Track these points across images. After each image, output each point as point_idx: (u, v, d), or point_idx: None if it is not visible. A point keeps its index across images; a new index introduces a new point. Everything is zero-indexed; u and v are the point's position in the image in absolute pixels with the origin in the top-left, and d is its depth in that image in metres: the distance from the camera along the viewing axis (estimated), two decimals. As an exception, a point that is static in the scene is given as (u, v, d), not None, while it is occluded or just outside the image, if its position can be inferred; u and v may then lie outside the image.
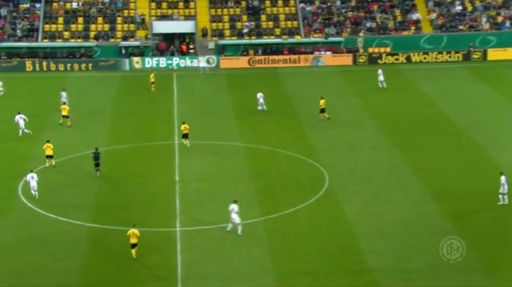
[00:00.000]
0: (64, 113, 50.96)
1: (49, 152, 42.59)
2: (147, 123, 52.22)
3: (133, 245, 32.05)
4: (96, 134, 49.46)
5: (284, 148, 46.09)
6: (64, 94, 55.08)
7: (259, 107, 54.48)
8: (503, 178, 36.76)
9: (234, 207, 34.31)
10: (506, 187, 36.56)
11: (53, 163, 42.51)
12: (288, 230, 34.95)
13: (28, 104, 55.50)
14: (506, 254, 32.34)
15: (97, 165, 41.72)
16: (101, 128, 50.96)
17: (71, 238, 34.16)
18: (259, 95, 54.92)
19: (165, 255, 32.62)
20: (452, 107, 55.14)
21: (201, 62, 69.02)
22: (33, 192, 38.33)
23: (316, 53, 72.34)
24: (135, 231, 32.13)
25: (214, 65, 70.91)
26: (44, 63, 69.63)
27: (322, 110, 51.57)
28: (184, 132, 46.24)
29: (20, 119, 48.50)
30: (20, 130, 48.25)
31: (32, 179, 38.50)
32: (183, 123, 46.70)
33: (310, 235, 34.38)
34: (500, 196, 36.76)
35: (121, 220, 35.15)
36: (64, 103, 53.21)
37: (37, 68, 69.50)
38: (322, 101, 51.86)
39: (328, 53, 72.34)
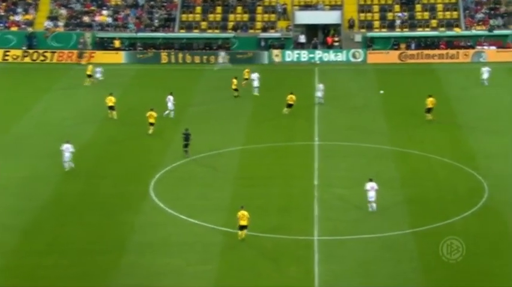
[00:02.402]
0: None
1: (152, 120, 48.60)
2: (287, 121, 52.37)
3: (243, 227, 33.56)
4: (234, 131, 50.23)
5: (438, 154, 44.62)
6: (171, 98, 52.98)
7: (317, 100, 55.30)
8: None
9: (373, 185, 36.71)
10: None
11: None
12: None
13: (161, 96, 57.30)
14: None
15: (185, 146, 44.41)
16: (239, 125, 51.65)
17: (204, 241, 34.66)
18: (320, 86, 55.76)
19: (303, 265, 32.37)
20: None
21: (221, 57, 68.21)
22: (65, 165, 42.03)
23: (479, 47, 69.71)
24: (245, 213, 33.56)
25: (360, 59, 70.06)
26: (180, 55, 71.71)
27: (429, 110, 50.60)
28: (289, 102, 51.95)
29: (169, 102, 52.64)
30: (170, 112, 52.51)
31: (67, 150, 42.00)
32: (291, 93, 52.31)
33: (469, 252, 32.81)
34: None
35: (256, 225, 35.21)
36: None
37: (172, 60, 71.72)
38: (429, 100, 50.89)
39: (493, 47, 69.57)
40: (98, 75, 63.36)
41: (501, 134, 48.24)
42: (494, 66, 65.98)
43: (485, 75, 58.99)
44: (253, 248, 33.86)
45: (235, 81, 58.54)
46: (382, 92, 40.77)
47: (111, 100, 53.21)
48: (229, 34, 73.93)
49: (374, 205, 37.13)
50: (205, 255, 33.33)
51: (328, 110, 54.35)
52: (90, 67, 63.97)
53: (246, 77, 60.88)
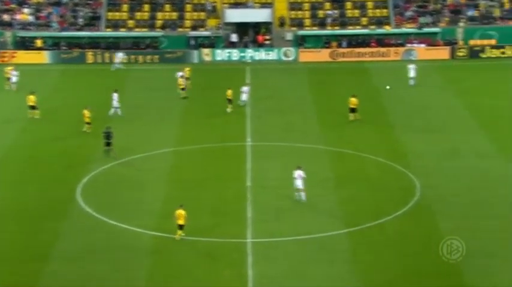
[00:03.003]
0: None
1: (86, 119, 48.31)
2: (219, 122, 52.27)
3: (181, 227, 33.97)
4: (164, 133, 49.88)
5: (371, 153, 45.24)
6: (116, 96, 52.62)
7: (240, 102, 54.71)
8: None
9: (300, 173, 37.28)
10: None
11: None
12: (376, 246, 34.13)
13: (90, 97, 56.47)
14: None
15: (107, 145, 44.00)
16: (169, 127, 51.32)
17: (134, 246, 34.26)
18: (245, 88, 55.35)
19: (236, 268, 32.33)
20: None
21: (117, 58, 68.15)
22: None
23: (409, 45, 71.03)
24: (182, 212, 33.97)
25: (292, 58, 70.52)
26: (106, 55, 70.81)
27: (352, 110, 50.67)
28: (229, 97, 51.80)
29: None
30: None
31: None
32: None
33: (404, 253, 33.42)
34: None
35: (189, 228, 35.02)
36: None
37: (99, 60, 70.75)
38: (352, 100, 51.11)
39: (422, 45, 70.97)
40: (14, 79, 60.86)
41: (432, 132, 49.20)
42: (424, 64, 67.46)
43: (412, 74, 59.31)
44: (185, 252, 33.70)
45: (181, 80, 58.11)
46: (388, 87, 40.45)
47: (31, 99, 52.23)
48: (158, 33, 73.43)
49: (302, 194, 37.79)
50: (134, 261, 32.97)
51: (260, 110, 54.50)
52: (8, 69, 62.07)
53: (187, 76, 60.49)
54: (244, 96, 55.27)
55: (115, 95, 52.83)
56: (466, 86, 60.68)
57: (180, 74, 58.92)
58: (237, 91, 54.66)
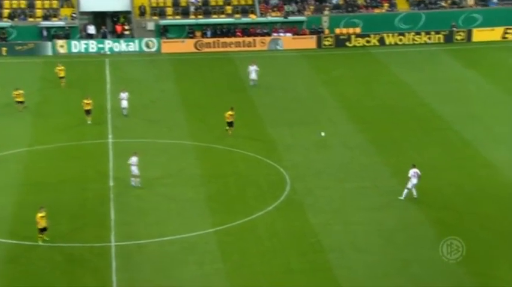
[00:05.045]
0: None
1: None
2: (75, 118, 51.31)
3: (43, 230, 33.82)
4: (15, 132, 48.51)
5: (240, 147, 45.83)
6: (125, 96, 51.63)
7: (251, 83, 56.23)
8: (412, 171, 38.34)
9: (134, 159, 39.54)
10: (415, 181, 38.20)
11: None
12: (245, 244, 34.68)
13: None
14: (500, 265, 32.60)
15: None
16: (21, 125, 49.96)
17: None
18: (253, 68, 56.71)
19: (99, 274, 32.03)
20: (435, 97, 55.73)
21: None
22: None
23: (275, 34, 72.29)
24: (43, 214, 33.99)
25: (154, 49, 70.23)
26: None
27: (230, 124, 47.75)
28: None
29: None
30: None
31: None
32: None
33: (272, 249, 34.16)
34: (406, 190, 38.53)
35: (48, 234, 34.33)
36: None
37: None
38: (228, 113, 47.90)
39: (288, 34, 72.41)
40: None
41: (300, 124, 50.30)
42: (290, 54, 68.91)
43: (253, 75, 58.17)
44: (44, 259, 33.07)
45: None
46: (323, 134, 39.76)
47: None
48: (6, 23, 71.15)
49: (138, 179, 39.90)
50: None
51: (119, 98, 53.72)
52: None
53: (61, 75, 58.72)
54: (253, 75, 57.31)
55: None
56: (333, 76, 62.48)
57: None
58: (89, 88, 53.40)
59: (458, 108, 53.11)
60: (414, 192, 38.59)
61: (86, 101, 50.27)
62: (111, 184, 40.88)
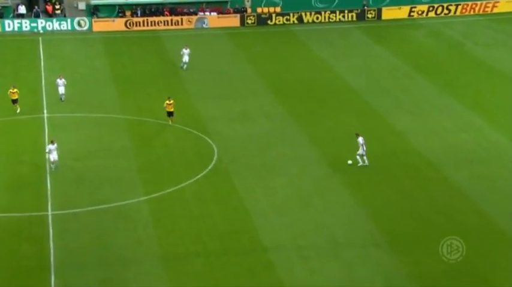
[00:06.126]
0: None
1: None
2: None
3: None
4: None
5: (169, 120, 45.67)
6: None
7: (183, 65, 55.78)
8: (360, 139, 38.81)
9: (51, 147, 38.05)
10: (364, 147, 38.75)
11: None
12: (175, 210, 34.81)
13: None
14: (408, 226, 33.55)
15: None
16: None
17: None
18: (186, 51, 56.06)
19: (37, 243, 31.68)
20: (349, 71, 56.41)
21: None
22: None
23: (201, 13, 71.85)
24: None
25: (85, 28, 68.96)
26: None
27: (170, 114, 44.93)
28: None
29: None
30: None
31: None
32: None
33: (200, 214, 34.42)
34: (358, 157, 38.92)
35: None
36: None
37: None
38: (167, 103, 44.71)
39: (214, 13, 72.04)
40: None
41: (225, 97, 50.39)
42: (215, 32, 68.67)
43: (185, 58, 56.67)
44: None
45: None
46: (350, 162, 39.62)
47: None
48: None
49: (55, 165, 38.33)
50: None
51: (55, 81, 52.72)
52: None
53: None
54: (185, 57, 56.00)
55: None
56: (256, 52, 62.56)
57: None
58: (22, 66, 52.21)
59: (369, 81, 53.98)
60: (366, 160, 38.99)
61: (11, 91, 46.81)
62: (47, 156, 40.28)
